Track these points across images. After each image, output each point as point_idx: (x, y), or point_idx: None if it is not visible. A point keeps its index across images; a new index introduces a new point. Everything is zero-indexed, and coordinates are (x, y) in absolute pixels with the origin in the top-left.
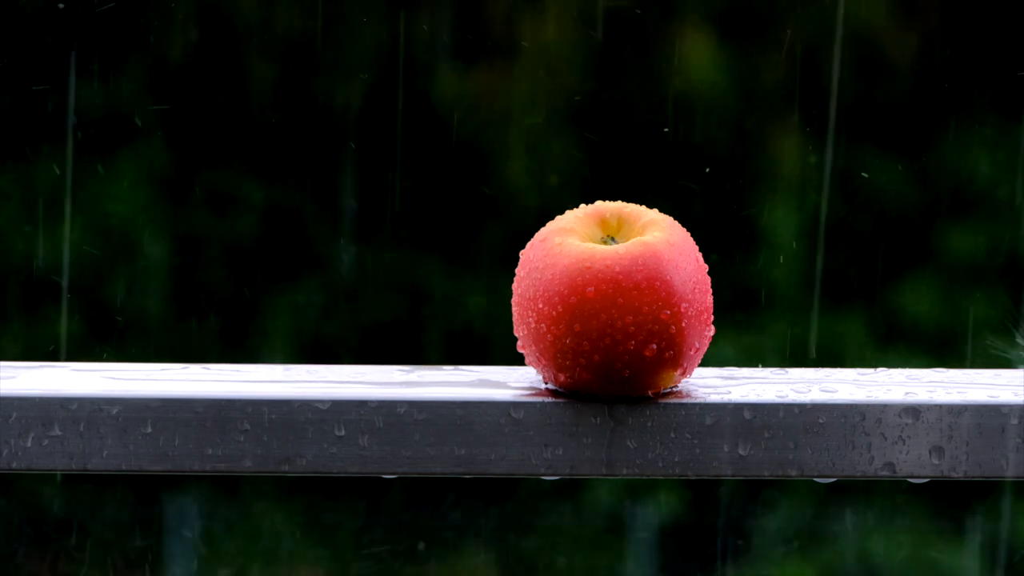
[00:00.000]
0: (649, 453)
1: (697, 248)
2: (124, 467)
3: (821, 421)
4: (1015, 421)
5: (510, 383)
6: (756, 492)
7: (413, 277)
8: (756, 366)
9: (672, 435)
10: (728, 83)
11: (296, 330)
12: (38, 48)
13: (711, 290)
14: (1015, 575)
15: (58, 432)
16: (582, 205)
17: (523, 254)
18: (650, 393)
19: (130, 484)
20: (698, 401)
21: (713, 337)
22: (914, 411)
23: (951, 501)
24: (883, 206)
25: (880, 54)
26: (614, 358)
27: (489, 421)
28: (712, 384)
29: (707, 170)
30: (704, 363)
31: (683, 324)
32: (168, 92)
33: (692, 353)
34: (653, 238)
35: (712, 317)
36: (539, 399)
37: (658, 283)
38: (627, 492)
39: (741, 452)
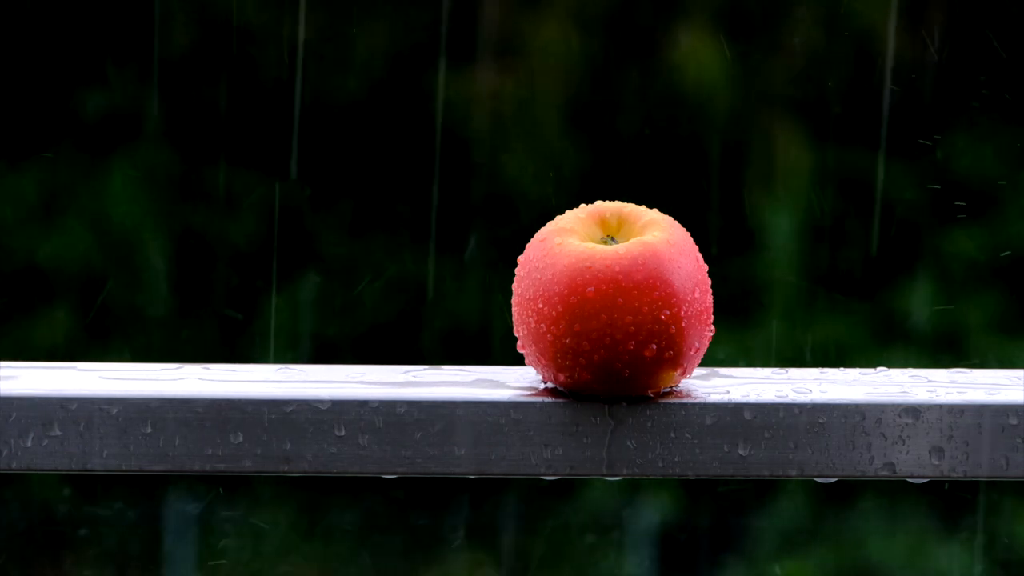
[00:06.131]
0: (649, 453)
1: (697, 248)
2: (124, 467)
3: (821, 421)
4: (1015, 421)
5: (510, 383)
6: (755, 492)
7: (413, 276)
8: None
9: (672, 435)
10: (728, 83)
11: (296, 330)
12: (38, 48)
13: (711, 290)
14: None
15: (58, 432)
16: (582, 205)
17: (523, 254)
18: (650, 393)
19: (130, 484)
20: (698, 401)
21: (713, 337)
22: (914, 411)
23: (951, 501)
24: (883, 206)
25: (881, 54)
26: (614, 358)
27: (489, 421)
28: (712, 384)
29: (706, 170)
30: (704, 363)
31: (683, 324)
32: (169, 91)
33: (692, 353)
34: (653, 238)
35: (712, 317)
36: (539, 399)
37: (658, 283)
38: (626, 492)
39: (741, 452)
